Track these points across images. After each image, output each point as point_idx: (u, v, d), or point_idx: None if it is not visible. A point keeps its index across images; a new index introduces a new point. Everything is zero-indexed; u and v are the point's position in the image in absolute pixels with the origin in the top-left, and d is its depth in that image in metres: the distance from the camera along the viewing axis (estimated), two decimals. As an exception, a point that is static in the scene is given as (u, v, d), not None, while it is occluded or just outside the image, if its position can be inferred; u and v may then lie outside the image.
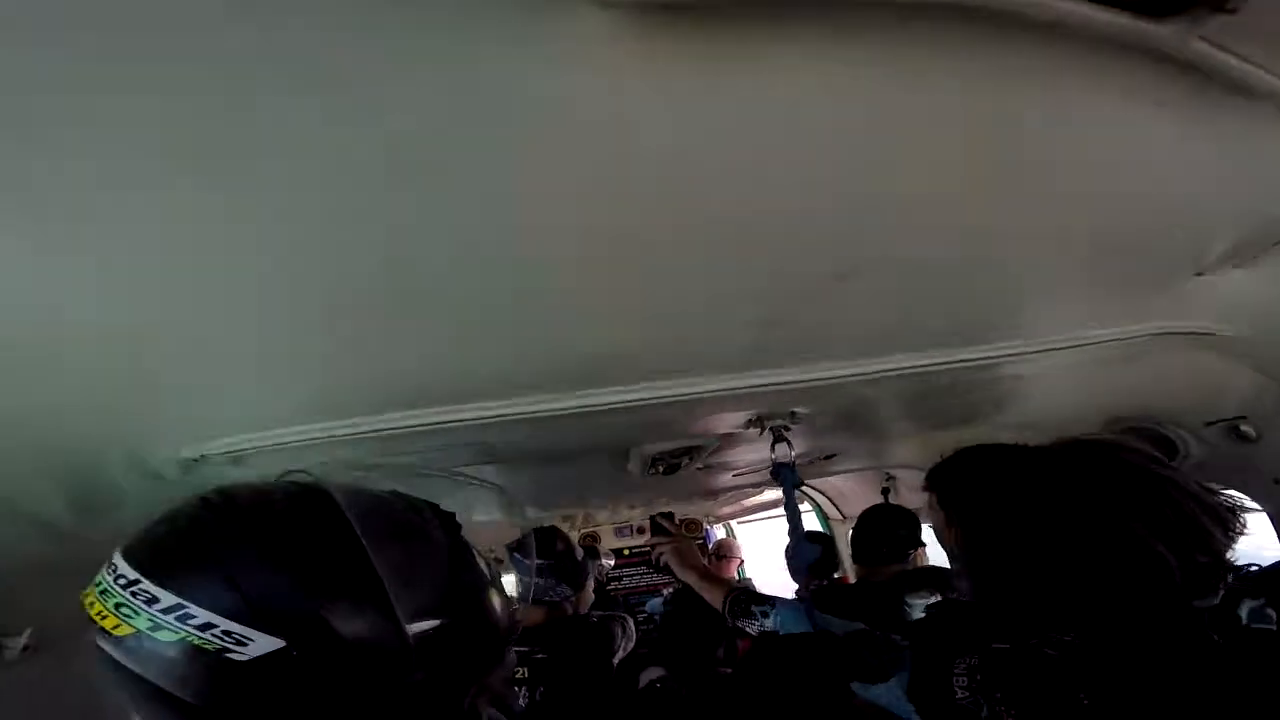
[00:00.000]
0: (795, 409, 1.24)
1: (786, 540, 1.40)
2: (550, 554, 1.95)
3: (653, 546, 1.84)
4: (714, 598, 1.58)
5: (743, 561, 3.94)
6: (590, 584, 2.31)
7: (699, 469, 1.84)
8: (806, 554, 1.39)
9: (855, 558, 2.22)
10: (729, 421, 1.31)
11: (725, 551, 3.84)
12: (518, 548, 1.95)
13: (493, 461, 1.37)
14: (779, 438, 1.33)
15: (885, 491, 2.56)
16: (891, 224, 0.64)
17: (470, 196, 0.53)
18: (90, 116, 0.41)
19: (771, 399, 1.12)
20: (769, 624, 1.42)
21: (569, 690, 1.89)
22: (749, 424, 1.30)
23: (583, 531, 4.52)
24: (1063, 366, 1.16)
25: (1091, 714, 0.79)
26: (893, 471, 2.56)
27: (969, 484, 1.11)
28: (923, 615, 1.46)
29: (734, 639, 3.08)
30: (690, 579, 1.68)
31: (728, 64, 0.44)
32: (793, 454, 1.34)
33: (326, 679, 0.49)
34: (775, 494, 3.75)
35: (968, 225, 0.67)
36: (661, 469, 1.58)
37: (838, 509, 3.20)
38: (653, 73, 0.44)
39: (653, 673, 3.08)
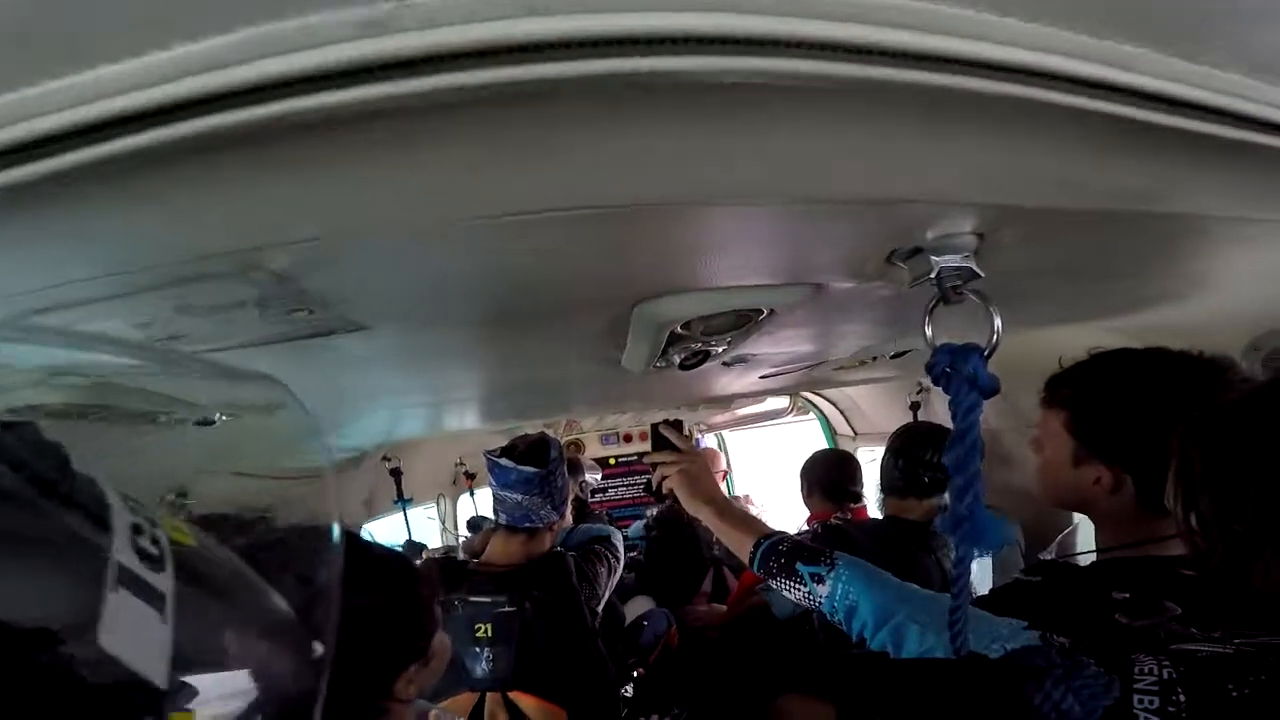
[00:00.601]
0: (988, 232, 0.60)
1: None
2: (542, 462, 1.59)
3: (653, 467, 1.25)
4: (738, 544, 1.09)
5: (728, 471, 3.62)
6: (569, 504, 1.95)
7: (726, 363, 1.31)
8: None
9: (886, 488, 1.85)
10: (844, 253, 0.66)
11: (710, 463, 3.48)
12: (503, 454, 1.59)
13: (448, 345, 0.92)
14: (946, 293, 0.63)
15: (915, 406, 2.18)
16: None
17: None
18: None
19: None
20: (823, 593, 0.98)
21: (540, 654, 1.58)
22: (895, 257, 0.64)
23: (565, 439, 4.20)
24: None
25: None
26: (924, 381, 2.17)
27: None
28: (1016, 578, 1.06)
29: (721, 568, 2.80)
30: (705, 516, 1.14)
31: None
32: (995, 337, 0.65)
33: None
34: (775, 403, 3.39)
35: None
36: (681, 356, 1.00)
37: (849, 424, 2.83)
38: None
39: (640, 604, 2.85)
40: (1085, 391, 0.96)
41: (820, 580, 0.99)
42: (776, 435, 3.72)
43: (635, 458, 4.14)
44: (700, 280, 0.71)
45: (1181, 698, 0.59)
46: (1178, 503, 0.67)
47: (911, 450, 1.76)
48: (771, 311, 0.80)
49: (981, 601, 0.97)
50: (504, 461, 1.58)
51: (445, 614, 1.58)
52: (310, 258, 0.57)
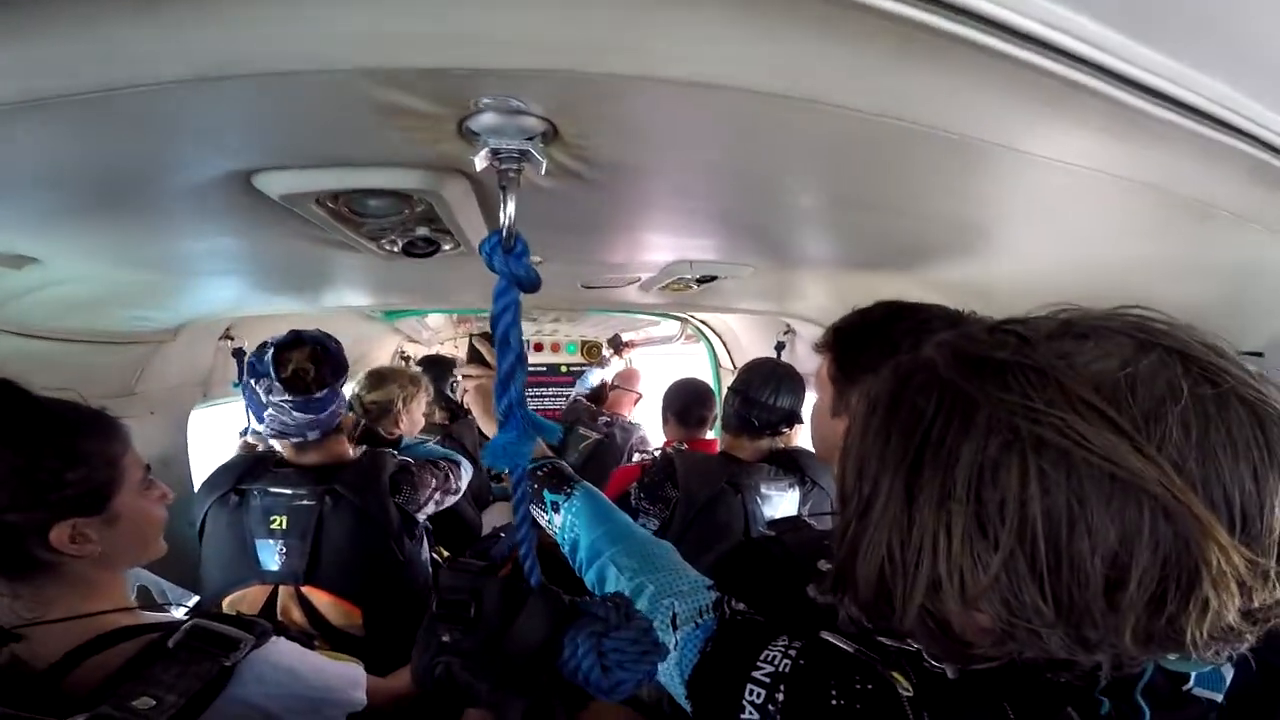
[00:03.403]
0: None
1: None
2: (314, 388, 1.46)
3: (463, 377, 1.19)
4: None
5: (640, 398, 3.58)
6: (402, 414, 1.87)
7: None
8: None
9: (723, 423, 1.81)
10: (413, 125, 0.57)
11: (624, 383, 3.43)
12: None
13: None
14: (504, 182, 0.54)
15: (779, 347, 2.13)
16: None
17: None
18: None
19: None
20: (557, 523, 0.96)
21: (338, 551, 1.54)
22: (465, 133, 0.55)
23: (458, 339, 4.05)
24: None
25: None
26: (793, 323, 2.10)
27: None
28: (761, 531, 1.01)
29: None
30: (492, 431, 1.15)
31: None
32: (508, 218, 0.55)
33: None
34: (669, 327, 3.31)
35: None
36: (399, 240, 0.92)
37: (730, 357, 2.77)
38: None
39: (501, 515, 2.84)
40: (841, 337, 0.88)
41: (556, 509, 0.95)
42: (675, 360, 3.66)
43: (544, 369, 4.07)
44: (295, 158, 0.65)
45: (780, 697, 0.55)
46: (839, 466, 0.60)
47: (746, 390, 1.71)
48: (422, 200, 0.70)
49: (718, 553, 0.93)
50: (285, 389, 1.45)
51: (239, 501, 1.55)
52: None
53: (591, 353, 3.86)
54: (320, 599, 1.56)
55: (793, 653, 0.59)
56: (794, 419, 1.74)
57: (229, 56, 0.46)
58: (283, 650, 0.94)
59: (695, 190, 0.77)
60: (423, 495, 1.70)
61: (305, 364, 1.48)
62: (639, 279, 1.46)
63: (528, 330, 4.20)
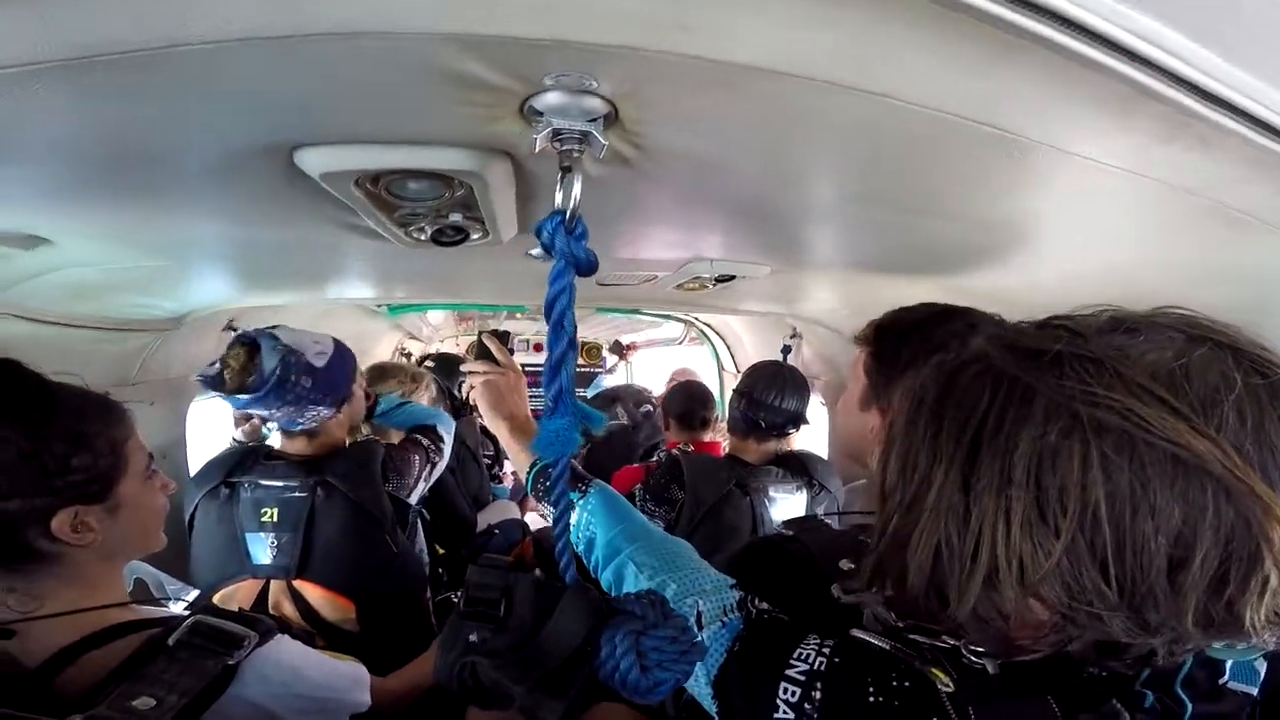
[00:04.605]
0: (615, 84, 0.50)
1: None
2: (252, 388, 1.38)
3: (469, 373, 1.16)
4: (521, 463, 1.05)
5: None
6: (362, 389, 1.82)
7: (533, 255, 1.22)
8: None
9: (730, 426, 1.81)
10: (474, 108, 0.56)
11: (680, 378, 3.41)
12: (211, 382, 1.40)
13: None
14: (565, 163, 0.54)
15: (785, 350, 2.13)
16: None
17: None
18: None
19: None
20: (572, 521, 0.92)
21: (330, 544, 1.52)
22: (526, 113, 0.54)
23: (469, 340, 4.07)
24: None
25: None
26: (799, 325, 2.11)
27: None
28: (778, 530, 1.00)
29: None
30: (501, 432, 1.09)
31: None
32: (574, 200, 0.54)
33: None
34: (673, 330, 3.31)
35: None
36: (428, 228, 0.90)
37: (733, 359, 2.78)
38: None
39: (499, 511, 2.82)
40: (882, 331, 0.90)
41: (571, 508, 0.93)
42: (678, 359, 3.67)
43: (543, 369, 4.01)
44: (344, 132, 0.63)
45: (818, 695, 0.54)
46: (880, 460, 0.60)
47: (751, 393, 1.71)
48: (465, 183, 0.69)
49: (733, 553, 0.92)
50: (218, 390, 1.39)
51: (229, 494, 1.53)
52: None
53: (590, 354, 3.86)
54: (313, 593, 1.53)
55: (826, 650, 0.58)
56: (799, 421, 1.75)
57: (287, 16, 0.43)
58: (287, 649, 0.91)
59: (735, 184, 0.77)
60: (409, 478, 1.66)
61: (230, 362, 1.43)
62: (655, 277, 1.46)
63: (528, 330, 4.18)
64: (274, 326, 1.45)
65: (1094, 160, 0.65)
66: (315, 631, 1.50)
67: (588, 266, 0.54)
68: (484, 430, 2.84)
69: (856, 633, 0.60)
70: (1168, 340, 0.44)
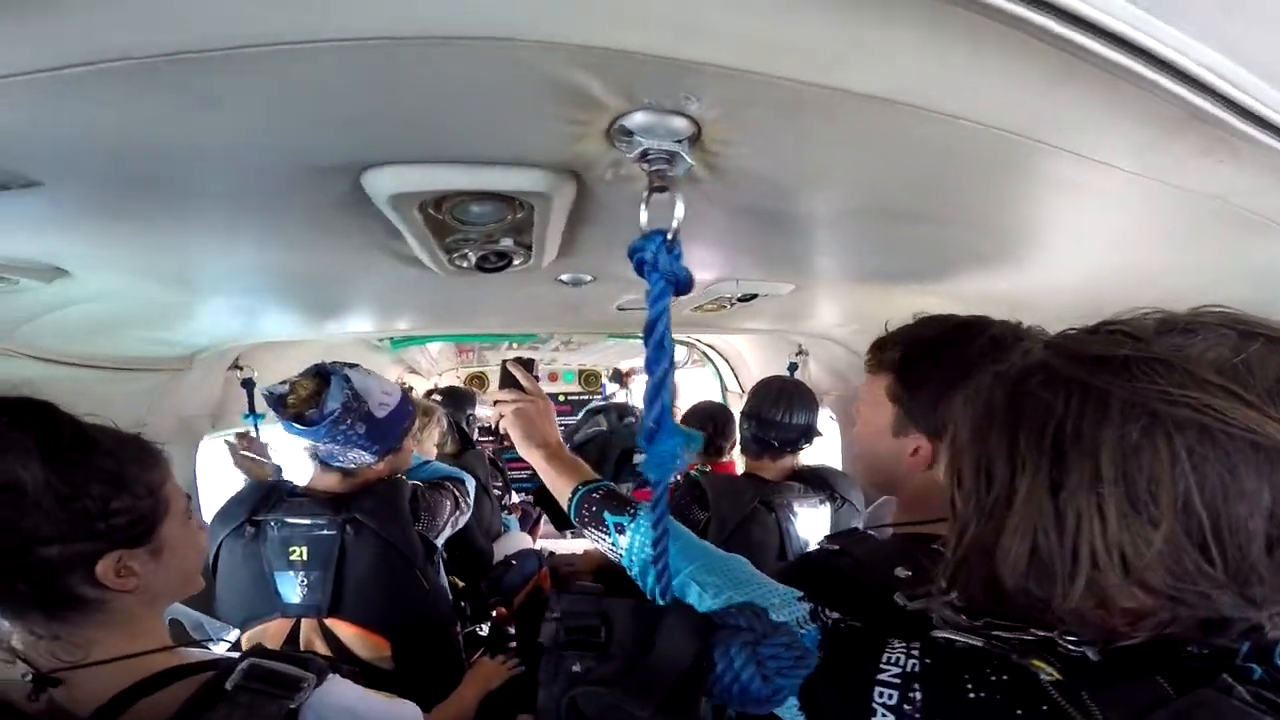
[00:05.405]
0: (700, 113, 0.52)
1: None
2: (313, 420, 1.41)
3: (496, 403, 1.16)
4: (560, 490, 1.04)
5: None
6: (415, 442, 1.84)
7: (562, 280, 1.23)
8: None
9: (742, 447, 1.83)
10: (555, 135, 0.57)
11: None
12: (278, 401, 1.43)
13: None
14: (657, 183, 0.57)
15: (792, 368, 2.16)
16: None
17: None
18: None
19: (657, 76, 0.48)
20: (623, 544, 0.93)
21: (362, 582, 1.50)
22: (613, 134, 0.55)
23: (467, 373, 4.08)
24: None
25: None
26: (805, 341, 2.14)
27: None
28: (820, 545, 1.00)
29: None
30: (535, 460, 1.08)
31: None
32: (677, 220, 0.56)
33: None
34: (676, 353, 3.33)
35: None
36: (472, 254, 0.91)
37: (737, 380, 2.81)
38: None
39: (513, 543, 2.80)
40: (907, 355, 0.90)
41: (622, 531, 0.94)
42: (682, 381, 3.69)
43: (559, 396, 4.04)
44: (422, 150, 0.62)
45: (918, 695, 0.55)
46: (949, 471, 0.63)
47: (759, 413, 1.74)
48: (531, 206, 0.71)
49: (781, 569, 0.93)
50: (279, 411, 1.42)
51: (255, 532, 1.51)
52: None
53: (589, 381, 3.86)
54: (345, 631, 1.51)
55: (915, 652, 0.59)
56: (812, 433, 1.77)
57: (382, 17, 0.40)
58: (342, 690, 0.89)
59: (791, 203, 0.79)
60: (440, 519, 1.66)
61: (299, 389, 1.45)
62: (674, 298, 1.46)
63: (538, 358, 4.18)
64: (352, 366, 1.48)
65: (1122, 169, 0.68)
66: (357, 670, 1.48)
67: (685, 286, 0.56)
68: (493, 462, 2.84)
69: (938, 634, 0.62)
70: (1222, 338, 0.48)
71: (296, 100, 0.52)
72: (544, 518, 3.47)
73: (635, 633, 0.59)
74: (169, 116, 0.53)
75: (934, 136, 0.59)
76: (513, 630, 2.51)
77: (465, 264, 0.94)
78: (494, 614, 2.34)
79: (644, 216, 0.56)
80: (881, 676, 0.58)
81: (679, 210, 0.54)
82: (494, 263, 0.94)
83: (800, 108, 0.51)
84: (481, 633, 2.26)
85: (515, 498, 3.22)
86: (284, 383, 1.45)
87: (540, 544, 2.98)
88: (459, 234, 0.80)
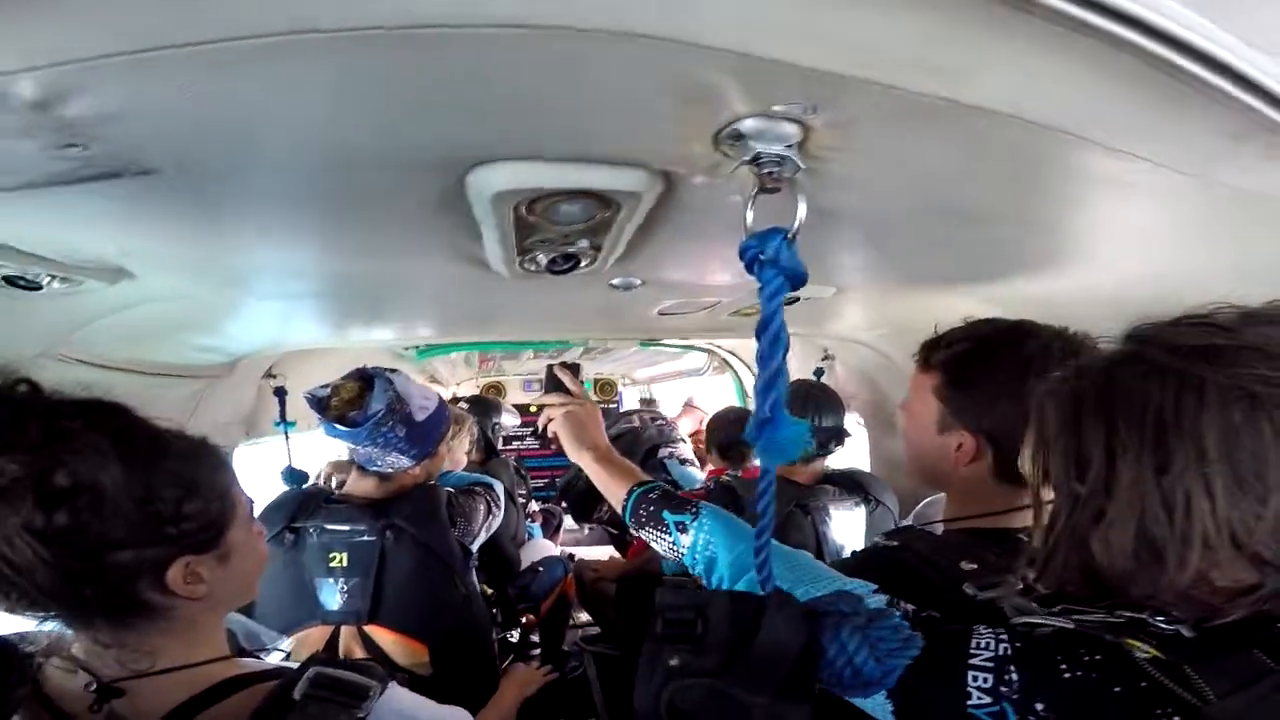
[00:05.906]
0: (815, 119, 0.53)
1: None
2: (356, 421, 1.42)
3: (539, 409, 1.16)
4: (614, 492, 1.05)
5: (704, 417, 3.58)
6: (447, 449, 1.85)
7: (614, 285, 1.24)
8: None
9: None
10: (670, 126, 0.56)
11: (692, 401, 3.50)
12: (320, 403, 1.45)
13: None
14: (767, 183, 0.58)
15: (819, 372, 2.18)
16: None
17: None
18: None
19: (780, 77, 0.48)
20: (685, 543, 0.93)
21: (401, 588, 1.51)
22: (721, 137, 0.56)
23: (484, 382, 4.09)
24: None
25: None
26: (831, 345, 2.16)
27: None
28: (875, 542, 1.02)
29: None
30: (585, 462, 1.09)
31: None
32: (799, 219, 0.57)
33: None
34: (695, 360, 3.35)
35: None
36: (546, 256, 0.92)
37: (760, 385, 2.83)
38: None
39: (538, 550, 2.82)
40: (957, 356, 0.94)
41: (684, 530, 0.94)
42: (702, 389, 3.72)
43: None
44: (532, 146, 0.62)
45: (1014, 676, 0.57)
46: (1034, 463, 0.65)
47: (796, 410, 1.75)
48: (620, 205, 0.73)
49: (839, 565, 0.94)
50: (321, 413, 1.44)
51: (295, 540, 1.52)
52: (61, 84, 0.46)
53: (605, 390, 3.88)
54: (385, 638, 1.52)
55: (1004, 637, 0.61)
56: (841, 435, 1.79)
57: (512, 4, 0.39)
58: (402, 697, 0.87)
59: (871, 210, 0.80)
60: (475, 524, 1.68)
61: (342, 392, 1.47)
62: (716, 303, 1.49)
63: (524, 368, 4.18)
64: (393, 371, 1.49)
65: (1183, 173, 0.69)
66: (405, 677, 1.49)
67: (801, 282, 0.58)
68: (517, 470, 2.87)
69: (1025, 619, 0.63)
70: None
71: (420, 89, 0.49)
72: (562, 525, 3.49)
73: (731, 624, 0.60)
74: (283, 100, 0.51)
75: (1017, 141, 0.61)
76: (536, 638, 2.51)
77: (534, 266, 0.95)
78: (523, 620, 2.35)
79: (749, 216, 0.58)
80: (974, 661, 0.60)
81: (801, 210, 0.56)
82: (562, 265, 0.96)
83: (910, 118, 0.53)
84: (512, 639, 2.27)
85: (535, 505, 3.24)
86: (325, 386, 1.47)
87: (560, 549, 3.00)
88: (540, 234, 0.81)
